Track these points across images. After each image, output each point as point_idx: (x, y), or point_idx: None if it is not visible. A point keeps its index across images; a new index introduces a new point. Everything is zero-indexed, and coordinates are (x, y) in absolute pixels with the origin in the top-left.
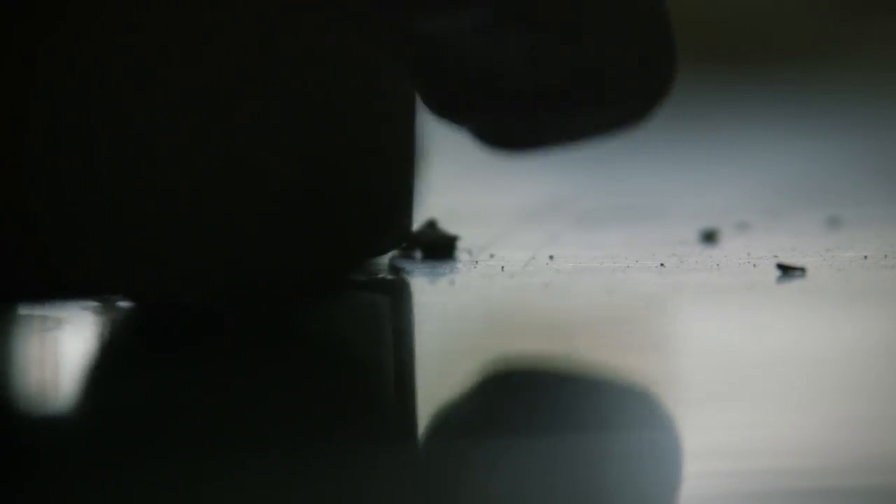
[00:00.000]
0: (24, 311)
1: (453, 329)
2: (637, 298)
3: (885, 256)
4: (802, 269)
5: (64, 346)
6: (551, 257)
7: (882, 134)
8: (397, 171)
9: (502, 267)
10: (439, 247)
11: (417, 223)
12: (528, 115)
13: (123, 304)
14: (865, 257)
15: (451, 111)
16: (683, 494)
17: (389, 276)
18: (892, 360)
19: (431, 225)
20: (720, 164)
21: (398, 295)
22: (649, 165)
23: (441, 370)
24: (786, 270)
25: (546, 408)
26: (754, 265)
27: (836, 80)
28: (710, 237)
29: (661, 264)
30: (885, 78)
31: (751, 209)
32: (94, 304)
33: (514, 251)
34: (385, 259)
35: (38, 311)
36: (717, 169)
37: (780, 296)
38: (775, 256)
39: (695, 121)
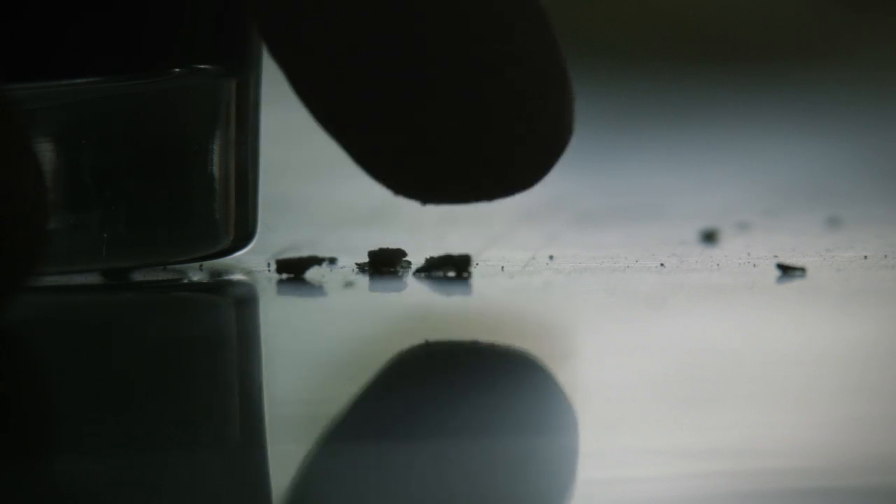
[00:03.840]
0: None
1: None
2: (637, 298)
3: (885, 256)
4: (802, 269)
5: None
6: (551, 257)
7: (882, 134)
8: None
9: (502, 267)
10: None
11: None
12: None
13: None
14: (865, 257)
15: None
16: (683, 495)
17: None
18: (892, 360)
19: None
20: (720, 164)
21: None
22: (649, 165)
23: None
24: (786, 270)
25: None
26: (754, 265)
27: (836, 80)
28: (710, 237)
29: (661, 264)
30: (885, 78)
31: (751, 209)
32: None
33: (515, 251)
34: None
35: None
36: (717, 169)
37: (780, 296)
38: (775, 256)
39: (695, 120)
